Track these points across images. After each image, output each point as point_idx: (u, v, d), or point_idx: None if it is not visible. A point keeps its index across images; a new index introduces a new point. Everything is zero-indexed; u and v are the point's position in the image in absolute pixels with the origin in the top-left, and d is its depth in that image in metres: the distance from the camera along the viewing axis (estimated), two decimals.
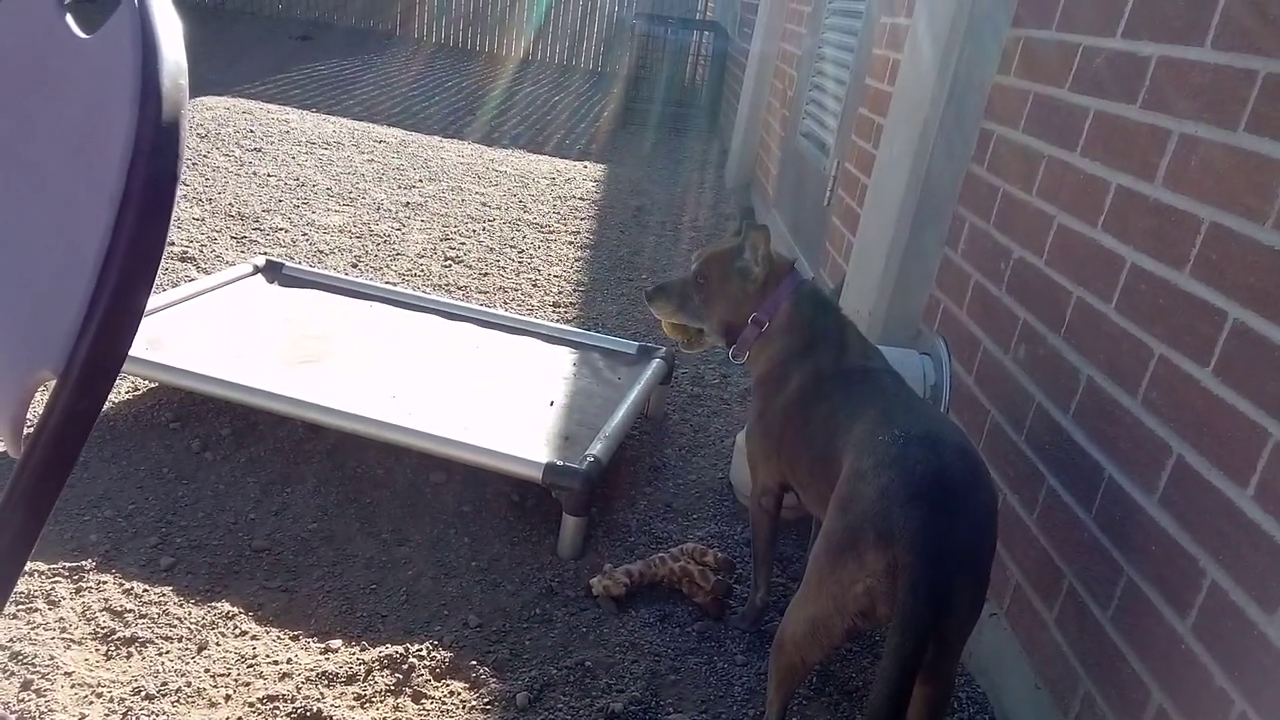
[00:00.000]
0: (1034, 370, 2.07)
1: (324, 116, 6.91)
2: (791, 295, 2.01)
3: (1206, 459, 1.45)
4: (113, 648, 1.80)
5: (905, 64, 2.98)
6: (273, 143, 5.87)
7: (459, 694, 1.81)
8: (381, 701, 1.76)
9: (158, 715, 1.66)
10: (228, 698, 1.73)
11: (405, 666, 1.84)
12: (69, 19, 0.78)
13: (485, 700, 1.80)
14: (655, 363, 3.00)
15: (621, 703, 1.83)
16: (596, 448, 2.37)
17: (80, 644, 1.80)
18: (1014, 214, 2.30)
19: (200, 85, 6.99)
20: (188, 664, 1.79)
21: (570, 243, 4.93)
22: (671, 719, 1.83)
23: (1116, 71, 1.93)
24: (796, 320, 1.99)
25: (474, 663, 1.89)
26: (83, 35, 0.76)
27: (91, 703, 1.66)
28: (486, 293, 4.02)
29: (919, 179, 2.73)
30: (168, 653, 1.81)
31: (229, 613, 1.94)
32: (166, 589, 1.97)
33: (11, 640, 1.77)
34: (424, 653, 1.88)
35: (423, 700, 1.78)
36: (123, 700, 1.68)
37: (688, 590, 2.19)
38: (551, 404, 2.69)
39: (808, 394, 1.90)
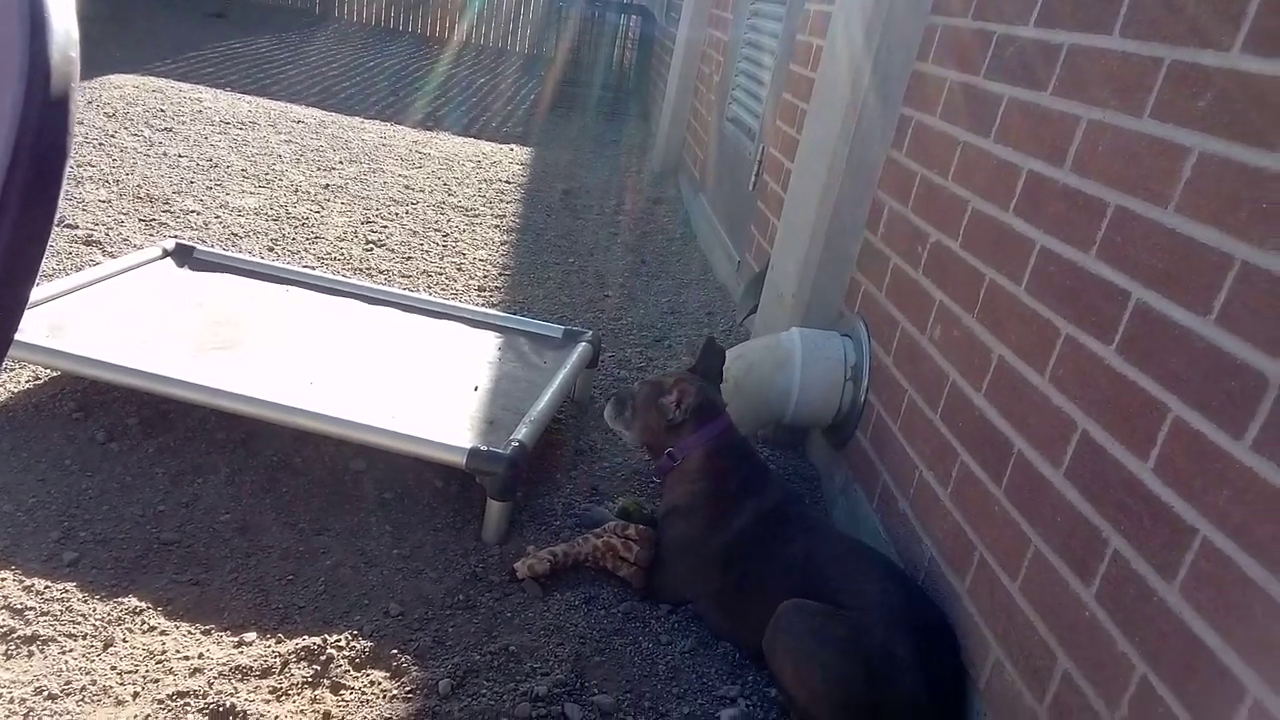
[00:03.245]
0: (949, 350, 2.12)
1: (239, 96, 6.69)
2: (707, 442, 2.23)
3: (1110, 433, 1.50)
4: (13, 647, 1.72)
5: (828, 50, 3.01)
6: (184, 122, 5.66)
7: (379, 683, 1.78)
8: (298, 694, 1.72)
9: (61, 715, 1.59)
10: (135, 695, 1.67)
11: (323, 658, 1.80)
12: None
13: (407, 689, 1.78)
14: (581, 346, 2.99)
15: (546, 686, 1.82)
16: (521, 432, 2.35)
17: None
18: (931, 198, 2.34)
19: (108, 63, 6.69)
20: (93, 662, 1.72)
21: (496, 226, 4.88)
22: (597, 699, 1.83)
23: (1029, 59, 1.98)
24: (710, 467, 2.22)
25: (395, 651, 1.86)
26: None
27: None
28: (409, 277, 3.95)
29: (840, 163, 2.77)
30: (71, 651, 1.74)
31: (136, 608, 1.87)
32: (70, 585, 1.89)
33: None
34: (343, 643, 1.85)
35: (342, 691, 1.75)
36: (24, 701, 1.61)
37: (612, 565, 2.18)
38: (476, 389, 2.66)
39: (757, 540, 2.07)
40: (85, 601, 1.86)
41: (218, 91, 6.68)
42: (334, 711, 1.70)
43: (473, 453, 2.21)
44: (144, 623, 1.84)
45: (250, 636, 1.85)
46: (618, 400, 2.44)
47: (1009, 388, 1.83)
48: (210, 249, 3.30)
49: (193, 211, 4.21)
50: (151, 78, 6.61)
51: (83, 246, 3.55)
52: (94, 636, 1.78)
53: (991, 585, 1.77)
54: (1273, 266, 1.23)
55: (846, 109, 2.73)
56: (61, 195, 0.69)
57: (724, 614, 2.08)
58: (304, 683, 1.75)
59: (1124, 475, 1.45)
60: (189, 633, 1.84)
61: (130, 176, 4.47)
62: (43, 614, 1.81)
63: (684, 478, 2.24)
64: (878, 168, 2.74)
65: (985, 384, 1.92)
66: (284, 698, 1.71)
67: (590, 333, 3.10)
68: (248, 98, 6.70)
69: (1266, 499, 1.17)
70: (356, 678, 1.79)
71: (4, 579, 1.88)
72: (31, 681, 1.65)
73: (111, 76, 6.37)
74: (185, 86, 6.58)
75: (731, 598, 2.06)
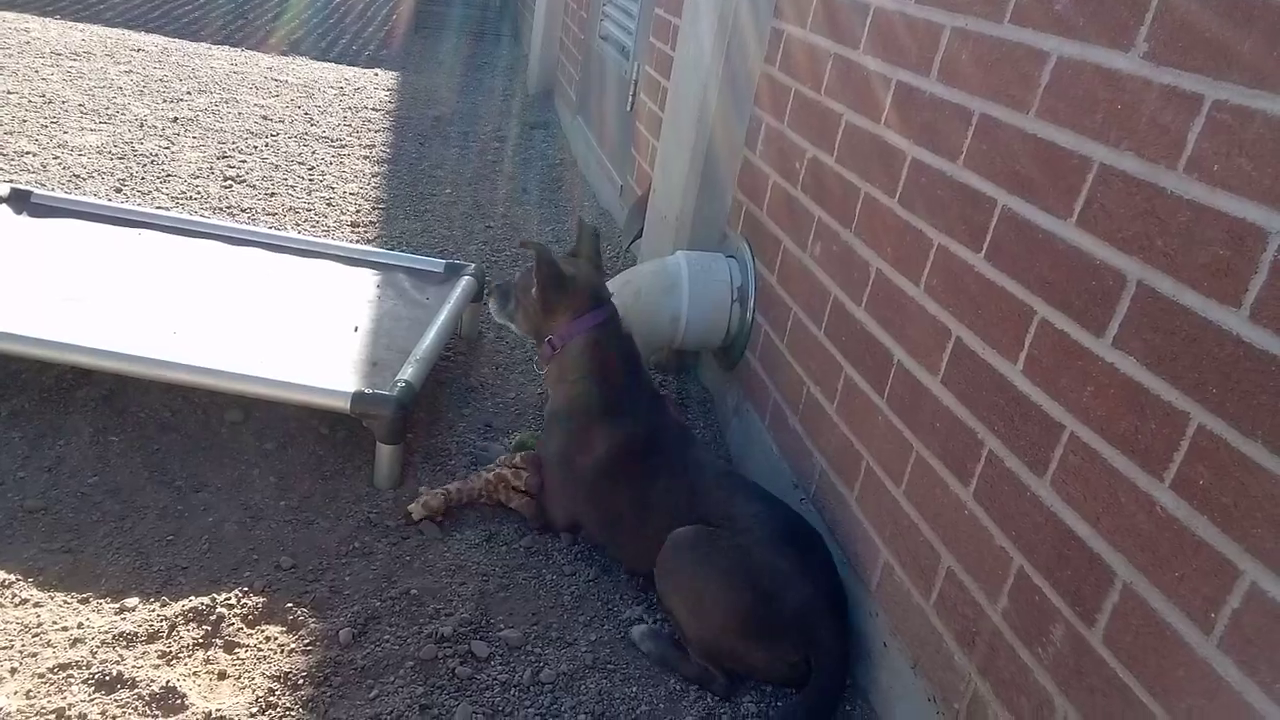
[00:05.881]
0: (830, 266, 2.15)
1: (70, 24, 6.14)
2: (588, 331, 2.15)
3: (982, 339, 1.56)
4: None
5: None
6: (11, 55, 5.16)
7: (276, 639, 1.73)
8: (190, 656, 1.66)
9: None
10: (13, 671, 1.58)
11: (213, 617, 1.74)
12: None
13: (305, 642, 1.74)
14: (465, 280, 2.91)
15: (451, 625, 1.81)
16: (407, 372, 2.28)
17: None
18: (806, 114, 2.35)
19: None
20: None
21: (365, 157, 4.67)
22: (504, 634, 1.83)
23: None
24: (591, 360, 2.13)
25: (290, 605, 1.81)
26: None
27: None
28: (275, 214, 3.75)
29: (716, 81, 2.73)
30: None
31: (4, 581, 1.77)
32: None
33: None
34: (233, 601, 1.79)
35: (236, 650, 1.70)
36: None
37: (505, 497, 2.16)
38: (356, 330, 2.56)
39: (633, 462, 2.04)
40: None
41: (46, 20, 6.12)
42: (229, 670, 1.65)
43: (357, 396, 2.14)
44: (15, 595, 1.74)
45: (132, 602, 1.77)
46: (501, 292, 2.34)
47: (887, 300, 1.88)
48: (50, 192, 3.06)
49: (28, 153, 3.87)
50: None
51: None
52: None
53: (878, 492, 1.84)
54: (1127, 167, 1.27)
55: (719, 22, 2.69)
56: None
57: (611, 541, 2.10)
58: (195, 644, 1.69)
59: (996, 378, 1.51)
60: (65, 602, 1.75)
61: None
62: None
63: (565, 372, 2.15)
64: (753, 84, 2.72)
65: (865, 297, 1.96)
66: (174, 661, 1.65)
67: (473, 266, 3.02)
68: (80, 25, 6.15)
69: (1127, 392, 1.23)
70: (251, 635, 1.73)
71: None
72: None
73: None
74: (10, 16, 6.01)
75: (616, 525, 2.07)
